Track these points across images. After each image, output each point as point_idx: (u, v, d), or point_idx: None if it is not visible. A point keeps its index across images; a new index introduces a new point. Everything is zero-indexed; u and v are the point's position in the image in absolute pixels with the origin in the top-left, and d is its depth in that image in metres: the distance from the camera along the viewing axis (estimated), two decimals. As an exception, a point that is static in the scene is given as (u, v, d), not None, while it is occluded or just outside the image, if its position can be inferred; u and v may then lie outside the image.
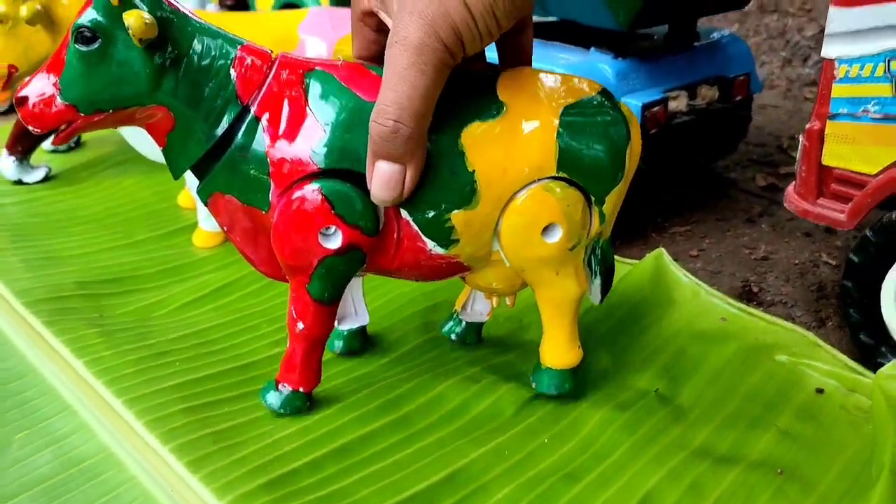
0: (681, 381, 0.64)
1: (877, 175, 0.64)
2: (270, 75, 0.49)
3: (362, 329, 0.66)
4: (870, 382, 0.62)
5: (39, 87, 0.47)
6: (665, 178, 1.03)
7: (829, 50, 0.65)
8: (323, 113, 0.48)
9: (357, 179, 0.49)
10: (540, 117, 0.50)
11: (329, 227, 0.49)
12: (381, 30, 0.52)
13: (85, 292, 0.75)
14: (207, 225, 0.87)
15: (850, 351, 0.69)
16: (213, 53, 0.48)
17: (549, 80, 0.53)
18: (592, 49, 0.87)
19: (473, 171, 0.50)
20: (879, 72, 0.62)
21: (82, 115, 0.47)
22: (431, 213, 0.50)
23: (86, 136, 1.18)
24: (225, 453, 0.54)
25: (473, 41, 0.44)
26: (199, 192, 0.51)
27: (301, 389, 0.57)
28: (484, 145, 0.50)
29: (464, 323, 0.68)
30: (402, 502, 0.51)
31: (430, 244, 0.51)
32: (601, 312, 0.73)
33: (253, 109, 0.49)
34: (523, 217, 0.51)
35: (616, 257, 0.82)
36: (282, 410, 0.57)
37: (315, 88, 0.49)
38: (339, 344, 0.65)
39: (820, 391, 0.63)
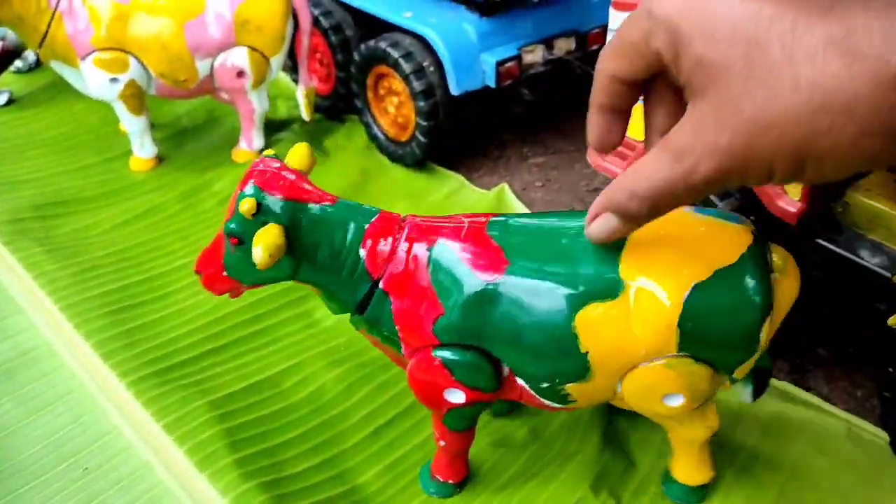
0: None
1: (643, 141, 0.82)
2: (398, 249, 0.52)
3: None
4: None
5: (209, 266, 0.54)
6: (526, 117, 1.20)
7: (611, 41, 0.81)
8: (443, 292, 0.51)
9: (478, 348, 0.53)
10: (661, 299, 0.48)
11: (451, 389, 0.54)
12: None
13: (37, 214, 0.95)
14: (141, 153, 1.06)
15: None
16: (342, 239, 0.52)
17: (684, 245, 0.49)
18: (462, 8, 1.03)
19: (587, 352, 0.50)
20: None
21: (245, 285, 0.55)
22: (545, 385, 0.53)
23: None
24: (132, 347, 0.76)
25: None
26: (351, 322, 0.57)
27: (451, 481, 0.64)
28: (598, 328, 0.49)
29: None
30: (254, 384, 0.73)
31: (549, 402, 0.55)
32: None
33: (381, 285, 0.53)
34: (642, 387, 0.51)
35: (470, 185, 1.01)
36: (437, 495, 0.64)
37: (437, 265, 0.52)
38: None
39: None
